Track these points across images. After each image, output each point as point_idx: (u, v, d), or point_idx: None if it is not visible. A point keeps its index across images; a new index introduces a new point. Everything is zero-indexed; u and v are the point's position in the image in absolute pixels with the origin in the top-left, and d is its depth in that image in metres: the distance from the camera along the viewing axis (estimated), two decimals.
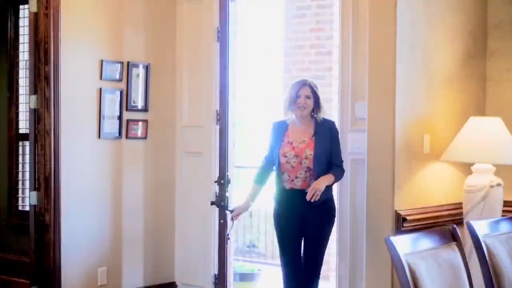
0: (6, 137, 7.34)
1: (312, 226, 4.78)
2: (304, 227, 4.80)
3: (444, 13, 5.14)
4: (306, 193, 4.65)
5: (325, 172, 4.72)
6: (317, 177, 4.68)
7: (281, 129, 4.91)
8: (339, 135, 5.30)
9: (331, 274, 7.15)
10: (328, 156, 4.77)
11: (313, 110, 4.82)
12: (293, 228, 4.83)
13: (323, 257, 4.87)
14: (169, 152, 6.20)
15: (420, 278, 2.93)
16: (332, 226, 4.93)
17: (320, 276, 4.88)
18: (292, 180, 4.77)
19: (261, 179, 5.04)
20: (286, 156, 4.77)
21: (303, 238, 4.86)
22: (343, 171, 4.90)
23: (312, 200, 4.59)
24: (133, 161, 5.97)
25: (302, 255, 4.88)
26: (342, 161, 4.89)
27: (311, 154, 4.72)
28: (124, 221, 5.92)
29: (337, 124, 5.35)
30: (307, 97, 4.78)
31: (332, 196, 4.86)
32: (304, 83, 4.85)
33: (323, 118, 4.86)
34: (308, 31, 7.64)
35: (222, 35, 5.37)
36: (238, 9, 5.96)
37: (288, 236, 4.86)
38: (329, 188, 4.76)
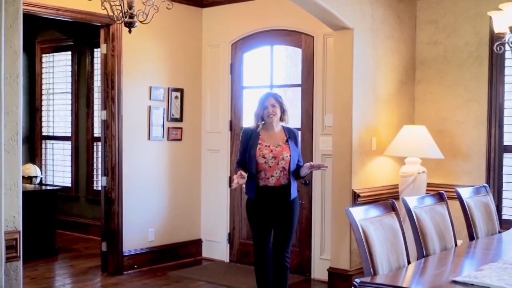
0: (85, 139, 7.38)
1: (284, 218, 4.03)
2: (276, 217, 4.04)
3: (385, 54, 5.13)
4: (277, 189, 3.99)
5: (295, 171, 4.06)
6: (290, 175, 4.01)
7: (254, 134, 4.08)
8: (313, 139, 5.31)
9: None
10: (297, 158, 4.08)
11: (280, 117, 4.10)
12: (265, 219, 4.04)
13: (292, 238, 4.15)
14: (197, 149, 6.18)
15: (369, 236, 2.91)
16: (298, 217, 4.16)
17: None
18: (268, 178, 3.99)
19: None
20: (265, 157, 3.98)
21: (274, 225, 4.08)
22: None
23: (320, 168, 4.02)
24: (172, 156, 5.93)
25: (273, 237, 4.11)
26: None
27: (287, 156, 3.99)
28: (166, 196, 5.89)
29: (313, 130, 5.36)
30: (273, 106, 4.04)
31: (297, 194, 4.14)
32: (268, 95, 4.14)
33: (288, 128, 4.15)
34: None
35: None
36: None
37: (261, 225, 4.06)
38: (296, 188, 4.12)
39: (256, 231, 4.10)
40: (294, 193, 4.06)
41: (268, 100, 4.07)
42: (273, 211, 4.03)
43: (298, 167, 4.08)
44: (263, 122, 4.09)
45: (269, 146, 4.02)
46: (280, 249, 4.06)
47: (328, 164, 4.52)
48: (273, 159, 3.99)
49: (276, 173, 3.99)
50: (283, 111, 4.10)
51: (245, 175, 3.94)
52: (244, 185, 4.06)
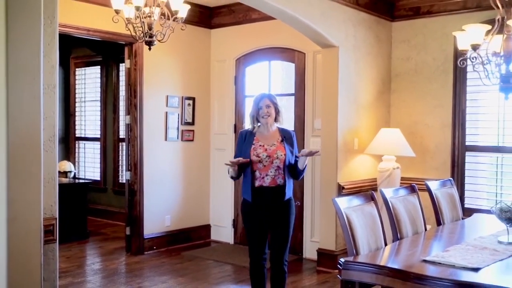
0: (112, 140, 7.35)
1: (281, 219, 3.41)
2: (272, 219, 3.41)
3: (366, 68, 5.12)
4: (273, 189, 3.37)
5: (290, 170, 3.42)
6: (286, 173, 3.39)
7: (249, 135, 3.47)
8: (304, 140, 5.30)
9: None
10: (292, 157, 3.43)
11: (275, 118, 3.47)
12: (262, 222, 3.41)
13: (290, 240, 3.49)
14: (206, 148, 6.16)
15: (352, 222, 2.91)
16: (294, 218, 3.51)
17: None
18: (263, 178, 3.36)
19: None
20: (259, 156, 3.36)
21: (270, 229, 3.45)
22: None
23: (312, 155, 3.33)
24: (185, 154, 5.91)
25: (271, 242, 3.46)
26: None
27: (282, 155, 3.36)
28: (180, 188, 5.87)
29: (304, 132, 5.35)
30: (268, 106, 3.42)
31: (292, 195, 3.50)
32: (262, 96, 3.47)
33: (283, 129, 3.53)
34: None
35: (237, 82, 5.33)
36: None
37: (258, 229, 3.43)
38: (292, 189, 3.48)
39: (252, 236, 3.44)
40: (289, 193, 3.43)
41: (263, 101, 3.44)
42: (269, 213, 3.39)
43: (295, 163, 3.44)
44: (259, 124, 3.48)
45: (263, 146, 3.40)
46: (279, 254, 3.43)
47: (318, 160, 4.50)
48: (267, 158, 3.36)
49: (270, 172, 3.36)
50: (277, 112, 3.46)
51: (237, 163, 3.33)
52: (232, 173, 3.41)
